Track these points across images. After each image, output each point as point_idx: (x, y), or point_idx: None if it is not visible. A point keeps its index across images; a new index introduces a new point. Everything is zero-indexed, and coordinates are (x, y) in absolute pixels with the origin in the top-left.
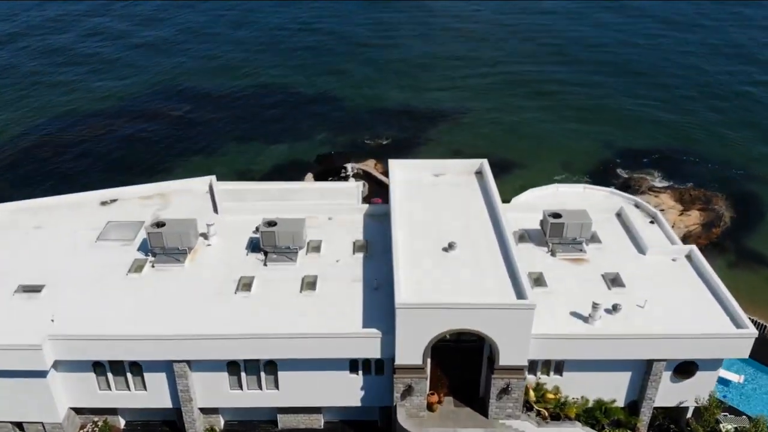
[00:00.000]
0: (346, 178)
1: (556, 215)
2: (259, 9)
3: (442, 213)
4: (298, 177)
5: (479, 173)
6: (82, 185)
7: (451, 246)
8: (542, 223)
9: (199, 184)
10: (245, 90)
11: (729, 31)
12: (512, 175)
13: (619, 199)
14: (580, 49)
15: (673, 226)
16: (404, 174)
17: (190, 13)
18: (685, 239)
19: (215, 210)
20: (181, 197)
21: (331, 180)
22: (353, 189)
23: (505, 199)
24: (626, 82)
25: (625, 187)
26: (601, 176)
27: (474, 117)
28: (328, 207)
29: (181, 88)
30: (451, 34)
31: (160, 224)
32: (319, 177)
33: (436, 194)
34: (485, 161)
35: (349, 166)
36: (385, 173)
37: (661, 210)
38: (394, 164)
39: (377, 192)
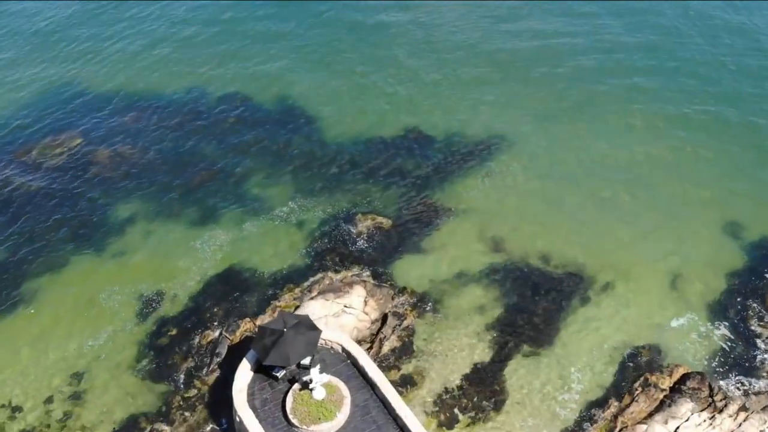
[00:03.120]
0: (310, 389)
1: None
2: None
3: None
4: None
5: None
6: None
7: None
8: None
9: None
10: (159, 115)
11: None
12: (592, 315)
13: None
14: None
15: None
16: None
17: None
18: None
19: None
20: None
21: (290, 389)
22: None
23: None
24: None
25: None
26: (737, 317)
27: (511, 166)
28: None
29: (52, 112)
30: (479, 35)
31: None
32: (258, 379)
33: None
34: None
35: (315, 374)
36: (374, 336)
37: None
38: None
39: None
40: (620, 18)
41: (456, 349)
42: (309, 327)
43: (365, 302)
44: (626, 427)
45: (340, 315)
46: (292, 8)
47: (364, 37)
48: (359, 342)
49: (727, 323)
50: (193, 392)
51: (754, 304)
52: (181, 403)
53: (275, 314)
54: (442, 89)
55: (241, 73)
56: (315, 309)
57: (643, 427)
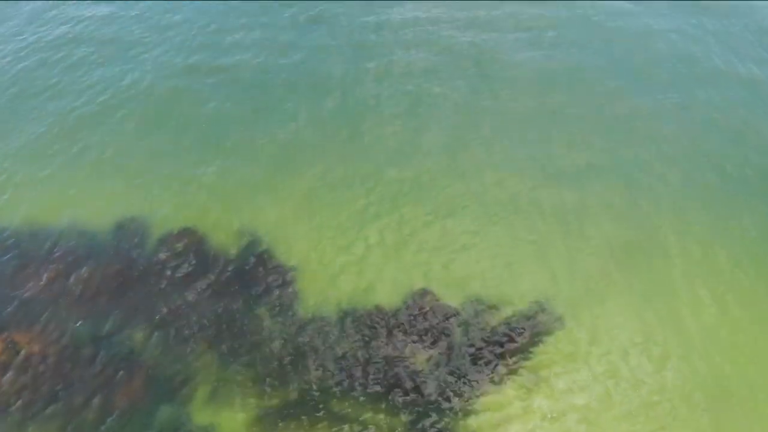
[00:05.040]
0: None
1: None
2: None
3: None
4: None
5: None
6: None
7: None
8: None
9: None
10: (77, 272)
11: None
12: None
13: None
14: None
15: None
16: None
17: None
18: None
19: None
20: None
21: None
22: None
23: None
24: None
25: None
26: None
27: (564, 369)
28: None
29: None
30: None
31: None
32: None
33: None
34: None
35: None
36: None
37: None
38: None
39: None
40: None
41: None
42: None
43: None
44: None
45: None
46: (258, 95)
47: (358, 144)
48: None
49: None
50: None
51: None
52: None
53: None
54: (463, 231)
55: (189, 194)
56: None
57: None
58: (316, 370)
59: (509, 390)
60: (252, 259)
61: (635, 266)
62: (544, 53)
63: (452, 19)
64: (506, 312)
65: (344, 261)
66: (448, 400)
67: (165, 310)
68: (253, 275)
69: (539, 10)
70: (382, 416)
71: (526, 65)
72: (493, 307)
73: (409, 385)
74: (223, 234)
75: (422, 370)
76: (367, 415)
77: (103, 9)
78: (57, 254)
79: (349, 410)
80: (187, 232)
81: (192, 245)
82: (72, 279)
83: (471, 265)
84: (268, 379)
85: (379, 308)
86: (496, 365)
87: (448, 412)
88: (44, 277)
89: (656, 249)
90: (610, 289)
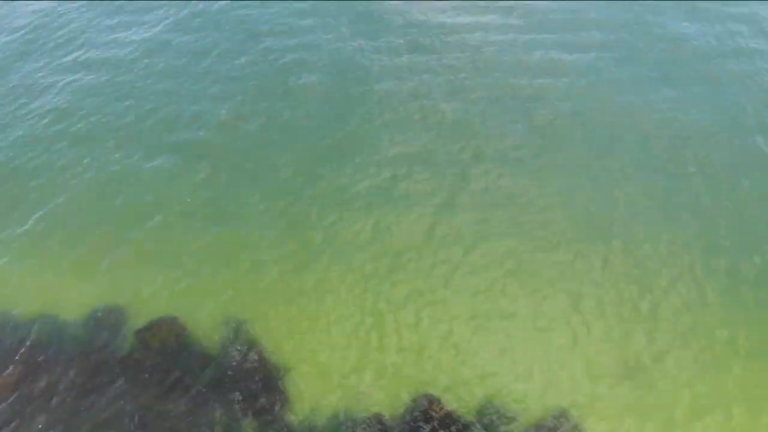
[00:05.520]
0: None
1: None
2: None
3: None
4: None
5: None
6: None
7: None
8: None
9: None
10: (48, 378)
11: None
12: None
13: None
14: None
15: None
16: None
17: None
18: None
19: None
20: None
21: None
22: None
23: None
24: None
25: None
26: None
27: None
28: None
29: None
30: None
31: None
32: None
33: None
34: None
35: None
36: None
37: None
38: None
39: None
40: None
41: None
42: None
43: None
44: None
45: None
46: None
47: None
48: None
49: None
50: None
51: None
52: None
53: None
54: (468, 317)
55: (171, 279)
56: None
57: None
58: None
59: None
60: (237, 358)
61: (665, 368)
62: (529, 128)
63: (438, 85)
64: (521, 420)
65: (338, 359)
66: None
67: (137, 419)
68: (237, 377)
69: (527, 79)
70: None
71: (518, 150)
72: (508, 416)
73: None
74: (208, 327)
75: None
76: None
77: (84, 79)
78: (25, 352)
79: None
80: (166, 324)
81: (171, 340)
82: (40, 382)
83: (480, 364)
84: None
85: (380, 418)
86: None
87: None
88: (8, 380)
89: (687, 354)
90: (634, 390)
